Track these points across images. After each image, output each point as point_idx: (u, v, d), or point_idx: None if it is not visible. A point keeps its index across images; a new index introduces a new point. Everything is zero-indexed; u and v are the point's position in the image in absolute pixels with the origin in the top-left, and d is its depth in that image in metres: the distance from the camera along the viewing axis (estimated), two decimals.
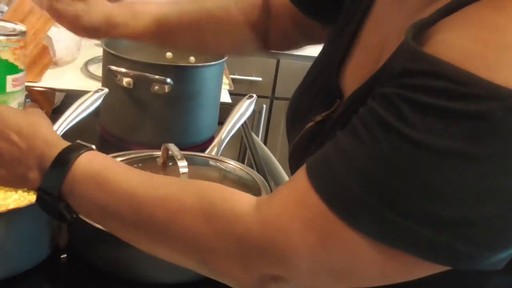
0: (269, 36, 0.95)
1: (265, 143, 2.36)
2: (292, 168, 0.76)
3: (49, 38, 1.48)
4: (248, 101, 1.14)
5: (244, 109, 1.13)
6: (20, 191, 0.87)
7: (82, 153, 0.62)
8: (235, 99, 1.29)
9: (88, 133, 1.24)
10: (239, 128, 1.12)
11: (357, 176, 0.50)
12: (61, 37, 1.56)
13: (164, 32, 0.95)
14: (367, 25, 0.71)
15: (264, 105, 2.38)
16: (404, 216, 0.48)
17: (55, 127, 0.95)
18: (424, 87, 0.48)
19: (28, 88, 1.18)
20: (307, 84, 0.79)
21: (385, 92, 0.51)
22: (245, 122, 1.15)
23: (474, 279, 0.60)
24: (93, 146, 0.65)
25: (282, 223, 0.53)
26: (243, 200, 0.57)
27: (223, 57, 1.20)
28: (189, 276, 0.80)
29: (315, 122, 0.71)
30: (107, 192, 0.61)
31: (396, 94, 0.49)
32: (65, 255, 0.85)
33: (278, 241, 0.53)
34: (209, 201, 0.57)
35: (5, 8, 1.58)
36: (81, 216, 0.67)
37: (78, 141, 0.64)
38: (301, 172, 0.55)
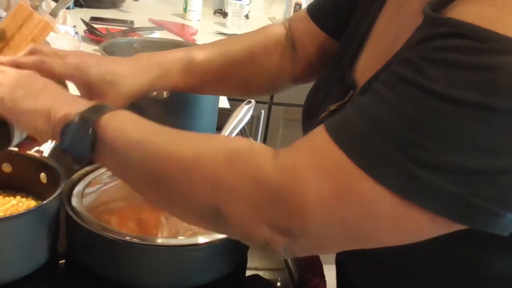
0: (294, 68, 0.97)
1: None
2: None
3: (48, 44, 1.48)
4: (247, 106, 1.14)
5: (243, 114, 1.13)
6: (18, 197, 0.87)
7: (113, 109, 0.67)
8: (234, 105, 1.29)
9: None
10: (237, 134, 1.12)
11: (378, 129, 0.52)
12: (59, 43, 1.56)
13: (194, 83, 0.93)
14: (379, 24, 0.75)
15: (263, 111, 2.38)
16: (424, 167, 0.50)
17: None
18: (444, 46, 0.50)
19: None
20: (323, 79, 0.83)
21: (405, 56, 0.54)
22: (243, 127, 1.15)
23: (477, 261, 0.63)
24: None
25: (299, 171, 0.54)
26: (265, 150, 0.58)
27: None
28: (188, 281, 0.80)
29: (329, 112, 0.73)
30: (133, 144, 0.64)
31: (417, 55, 0.52)
32: (63, 261, 0.85)
33: (294, 188, 0.54)
34: (233, 146, 0.59)
35: (3, 14, 1.58)
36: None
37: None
38: (319, 128, 0.56)
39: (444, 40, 0.50)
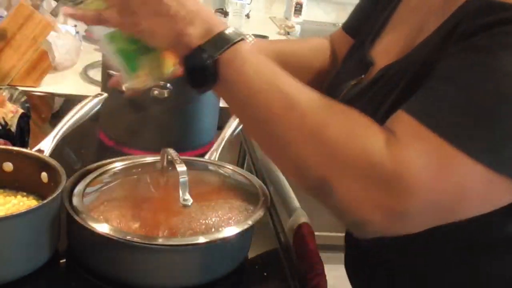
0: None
1: None
2: None
3: (49, 43, 1.48)
4: None
5: None
6: (19, 196, 0.87)
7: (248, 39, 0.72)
8: None
9: (87, 137, 1.24)
10: (238, 133, 1.12)
11: (463, 106, 0.58)
12: (60, 42, 1.56)
13: None
14: (401, 9, 0.85)
15: None
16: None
17: (54, 131, 0.95)
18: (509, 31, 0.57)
19: (27, 93, 1.18)
20: (345, 60, 0.94)
21: (469, 44, 0.61)
22: None
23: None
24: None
25: (408, 161, 0.57)
26: (379, 135, 0.60)
27: None
28: (189, 281, 0.80)
29: (350, 86, 0.82)
30: (264, 81, 0.64)
31: (485, 42, 0.59)
32: (64, 260, 0.84)
33: (404, 177, 0.57)
34: (357, 123, 0.62)
35: (5, 13, 1.58)
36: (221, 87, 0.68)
37: None
38: (403, 115, 0.61)
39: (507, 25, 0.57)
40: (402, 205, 0.58)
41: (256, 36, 2.34)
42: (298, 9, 2.86)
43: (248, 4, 2.64)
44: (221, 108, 1.28)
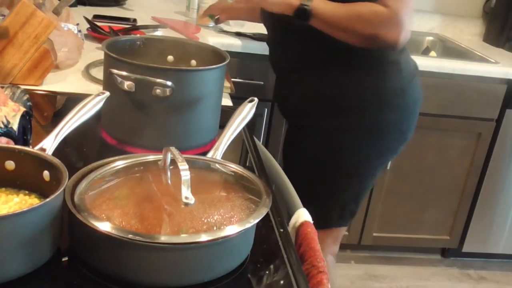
0: None
1: (266, 146, 2.36)
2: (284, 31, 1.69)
3: (51, 42, 1.48)
4: (250, 104, 1.14)
5: (246, 112, 1.13)
6: (21, 195, 0.87)
7: None
8: (236, 103, 1.29)
9: (89, 136, 1.24)
10: (240, 132, 1.12)
11: None
12: (62, 41, 1.56)
13: None
14: None
15: (265, 109, 2.38)
16: None
17: (56, 130, 0.95)
18: None
19: (29, 92, 1.18)
20: None
21: None
22: (246, 125, 1.15)
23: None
24: None
25: (397, 9, 1.42)
26: (379, 7, 1.43)
27: (225, 61, 1.20)
28: (191, 279, 0.80)
29: None
30: (341, 11, 1.43)
31: None
32: (66, 258, 0.85)
33: (405, 19, 1.43)
34: (368, 7, 1.44)
35: (6, 11, 1.58)
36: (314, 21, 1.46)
37: None
38: None
39: None
40: (404, 27, 1.41)
41: (258, 34, 2.35)
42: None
43: None
44: (223, 107, 1.28)
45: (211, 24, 2.38)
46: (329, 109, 1.61)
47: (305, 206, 1.42)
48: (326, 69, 1.58)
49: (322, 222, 1.67)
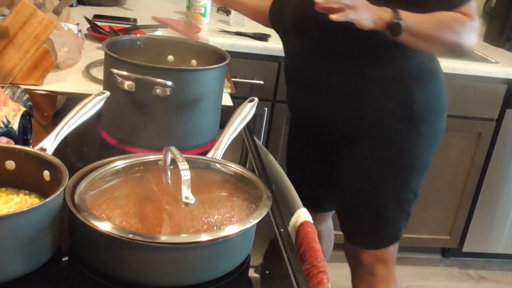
0: None
1: (266, 146, 2.36)
2: (297, 32, 1.58)
3: (51, 41, 1.48)
4: (250, 104, 1.14)
5: (246, 112, 1.13)
6: (21, 195, 0.87)
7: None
8: (237, 102, 1.29)
9: (89, 136, 1.24)
10: (240, 131, 1.12)
11: None
12: (62, 41, 1.56)
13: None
14: None
15: (266, 108, 2.38)
16: None
17: (57, 130, 0.95)
18: None
19: (30, 91, 1.18)
20: None
21: None
22: (246, 125, 1.15)
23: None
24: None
25: (474, 16, 1.42)
26: (463, 16, 1.39)
27: (225, 61, 1.20)
28: (191, 279, 0.80)
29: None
30: (428, 22, 1.37)
31: None
32: (66, 258, 0.85)
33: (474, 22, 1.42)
34: (451, 17, 1.39)
35: (7, 11, 1.58)
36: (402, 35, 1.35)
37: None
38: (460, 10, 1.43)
39: None
40: (478, 32, 1.41)
41: (259, 34, 2.35)
42: None
43: None
44: (223, 107, 1.28)
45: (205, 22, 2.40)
46: (390, 120, 1.51)
47: (359, 228, 1.55)
48: (371, 82, 1.48)
49: (386, 238, 1.64)
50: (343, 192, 1.62)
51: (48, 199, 0.76)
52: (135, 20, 2.32)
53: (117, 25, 2.15)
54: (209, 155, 1.04)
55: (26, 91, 1.15)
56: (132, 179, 0.93)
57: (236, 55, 2.21)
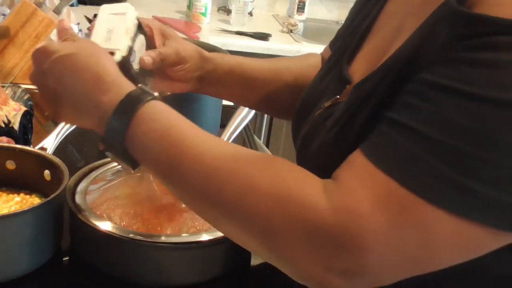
0: None
1: (267, 146, 2.36)
2: (300, 159, 0.75)
3: (51, 41, 1.48)
4: None
5: (246, 112, 1.13)
6: (22, 194, 0.87)
7: (148, 100, 0.65)
8: None
9: (89, 135, 1.24)
10: (241, 131, 1.12)
11: (423, 146, 0.49)
12: None
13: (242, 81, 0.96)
14: (379, 20, 0.73)
15: None
16: (477, 179, 0.47)
17: (57, 129, 0.95)
18: (487, 44, 0.48)
19: (30, 91, 1.18)
20: (320, 77, 0.79)
21: (435, 60, 0.51)
22: (247, 124, 1.15)
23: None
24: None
25: (352, 209, 0.51)
26: (314, 185, 0.54)
27: None
28: (192, 278, 0.80)
29: (324, 108, 0.71)
30: (173, 152, 0.60)
31: (453, 59, 0.49)
32: (67, 258, 0.85)
33: (351, 228, 0.50)
34: (282, 184, 0.54)
35: (7, 11, 1.58)
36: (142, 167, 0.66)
37: (141, 86, 0.67)
38: (359, 156, 0.54)
39: (487, 38, 0.48)
40: (356, 262, 0.51)
41: (259, 34, 2.35)
42: (301, 7, 2.86)
43: (251, 2, 2.63)
44: (224, 106, 1.28)
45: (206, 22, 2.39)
46: None
47: None
48: None
49: None
50: None
51: (48, 199, 0.76)
52: None
53: None
54: None
55: (27, 90, 1.15)
56: (133, 179, 0.93)
57: (237, 54, 2.21)
